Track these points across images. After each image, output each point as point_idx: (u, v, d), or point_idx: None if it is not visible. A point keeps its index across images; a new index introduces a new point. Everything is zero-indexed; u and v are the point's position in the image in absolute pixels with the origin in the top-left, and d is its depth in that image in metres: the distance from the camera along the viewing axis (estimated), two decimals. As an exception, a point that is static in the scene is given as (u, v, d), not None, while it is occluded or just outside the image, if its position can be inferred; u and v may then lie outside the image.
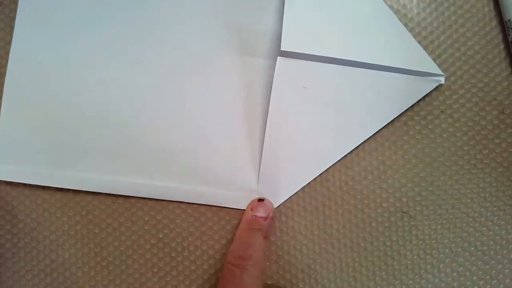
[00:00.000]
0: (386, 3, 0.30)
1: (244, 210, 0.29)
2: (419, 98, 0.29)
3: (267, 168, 0.29)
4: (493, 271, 0.30)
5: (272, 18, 0.29)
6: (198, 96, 0.29)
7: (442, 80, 0.29)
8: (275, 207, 0.29)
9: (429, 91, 0.29)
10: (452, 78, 0.30)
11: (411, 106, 0.30)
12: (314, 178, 0.30)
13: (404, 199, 0.30)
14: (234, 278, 0.24)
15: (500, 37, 0.31)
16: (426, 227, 0.30)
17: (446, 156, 0.30)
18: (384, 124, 0.29)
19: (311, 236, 0.30)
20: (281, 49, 0.27)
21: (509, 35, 0.30)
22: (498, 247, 0.30)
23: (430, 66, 0.29)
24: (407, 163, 0.30)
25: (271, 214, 0.28)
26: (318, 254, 0.30)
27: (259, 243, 0.26)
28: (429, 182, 0.30)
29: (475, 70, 0.30)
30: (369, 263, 0.30)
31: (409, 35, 0.29)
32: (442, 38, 0.31)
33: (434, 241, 0.30)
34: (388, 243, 0.30)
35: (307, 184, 0.30)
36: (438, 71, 0.29)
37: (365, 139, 0.29)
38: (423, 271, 0.30)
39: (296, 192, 0.30)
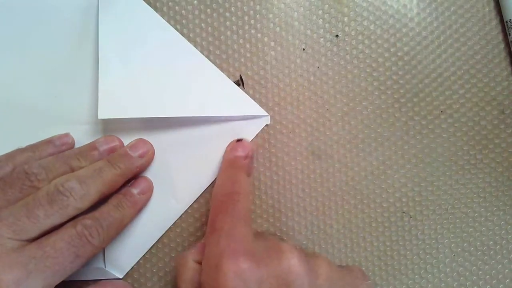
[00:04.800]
0: (386, 3, 0.30)
1: None
2: (250, 139, 0.29)
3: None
4: (493, 271, 0.30)
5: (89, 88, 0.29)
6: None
7: (268, 120, 0.30)
8: (121, 277, 0.29)
9: (257, 131, 0.30)
10: (452, 78, 0.30)
11: (411, 107, 0.30)
12: (315, 179, 0.30)
13: (404, 199, 0.30)
14: (227, 207, 0.24)
15: (500, 37, 0.31)
16: (426, 227, 0.30)
17: (446, 156, 0.30)
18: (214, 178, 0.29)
19: (311, 236, 0.30)
20: (99, 117, 0.27)
21: (509, 35, 0.30)
22: (498, 247, 0.30)
23: (255, 109, 0.29)
24: (407, 163, 0.30)
25: (250, 153, 0.28)
26: (318, 254, 0.30)
27: (243, 180, 0.26)
28: (429, 182, 0.30)
29: (475, 70, 0.30)
30: (369, 263, 0.30)
31: (229, 82, 0.29)
32: (442, 38, 0.31)
33: (434, 241, 0.30)
34: (388, 243, 0.30)
35: (307, 185, 0.30)
36: (263, 113, 0.30)
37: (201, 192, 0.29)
38: (423, 271, 0.30)
39: (296, 193, 0.30)
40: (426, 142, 0.30)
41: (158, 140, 0.29)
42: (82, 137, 0.29)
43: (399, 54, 0.30)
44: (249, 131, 0.29)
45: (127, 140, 0.28)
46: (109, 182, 0.26)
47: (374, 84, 0.30)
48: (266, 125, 0.30)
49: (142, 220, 0.29)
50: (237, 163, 0.28)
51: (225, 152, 0.29)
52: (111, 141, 0.28)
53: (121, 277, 0.29)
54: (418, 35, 0.30)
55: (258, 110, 0.29)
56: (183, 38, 0.29)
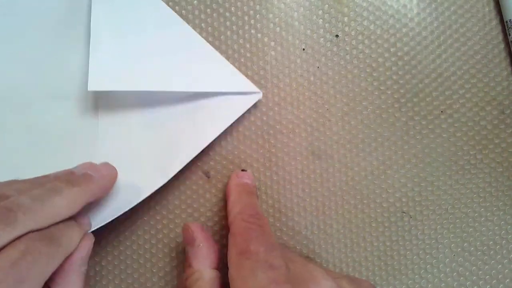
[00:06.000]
0: (386, 3, 0.30)
1: None
2: (239, 115, 0.29)
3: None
4: (493, 271, 0.30)
5: (79, 57, 0.29)
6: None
7: (259, 96, 0.29)
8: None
9: (248, 107, 0.29)
10: (452, 78, 0.30)
11: (411, 107, 0.30)
12: (315, 179, 0.30)
13: (404, 199, 0.30)
14: (257, 232, 0.23)
15: (500, 37, 0.31)
16: (426, 227, 0.30)
17: (446, 156, 0.30)
18: (207, 143, 0.28)
19: (311, 236, 0.30)
20: (88, 89, 0.26)
21: (509, 35, 0.30)
22: (497, 247, 0.30)
23: (247, 85, 0.29)
24: (407, 163, 0.30)
25: (254, 183, 0.29)
26: (318, 254, 0.30)
27: (257, 203, 0.27)
28: (429, 182, 0.30)
29: (475, 70, 0.30)
30: (369, 263, 0.30)
31: (222, 58, 0.29)
32: (442, 38, 0.31)
33: (434, 241, 0.30)
34: (388, 243, 0.30)
35: (307, 185, 0.30)
36: (255, 89, 0.29)
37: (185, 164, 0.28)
38: (423, 271, 0.30)
39: (296, 193, 0.30)
40: (426, 142, 0.30)
41: (145, 115, 0.29)
42: (69, 113, 0.28)
43: (399, 54, 0.30)
44: (240, 106, 0.29)
45: (118, 117, 0.29)
46: (68, 201, 0.22)
47: (374, 84, 0.30)
48: (268, 126, 0.29)
49: (121, 185, 0.27)
50: (248, 188, 0.28)
51: (231, 179, 0.28)
52: (90, 166, 0.26)
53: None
54: (418, 35, 0.30)
55: (250, 86, 0.29)
56: (176, 14, 0.29)
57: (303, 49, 0.30)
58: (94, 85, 0.26)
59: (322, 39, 0.30)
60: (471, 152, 0.30)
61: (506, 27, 0.30)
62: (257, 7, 0.30)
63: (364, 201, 0.30)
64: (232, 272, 0.22)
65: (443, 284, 0.30)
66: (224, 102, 0.29)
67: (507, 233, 0.30)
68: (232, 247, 0.23)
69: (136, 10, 0.28)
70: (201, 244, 0.25)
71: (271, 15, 0.30)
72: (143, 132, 0.29)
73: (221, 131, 0.28)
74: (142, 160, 0.28)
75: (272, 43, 0.30)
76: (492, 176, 0.30)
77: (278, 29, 0.30)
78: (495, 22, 0.31)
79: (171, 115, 0.29)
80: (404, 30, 0.30)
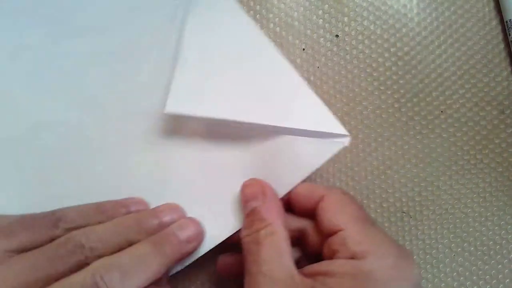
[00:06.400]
0: (386, 3, 0.30)
1: None
2: (321, 163, 0.25)
3: None
4: (493, 271, 0.30)
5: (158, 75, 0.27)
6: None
7: (346, 142, 0.25)
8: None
9: (332, 155, 0.25)
10: (452, 78, 0.30)
11: (411, 107, 0.30)
12: (315, 179, 0.30)
13: (404, 199, 0.30)
14: None
15: (500, 37, 0.31)
16: (426, 227, 0.30)
17: (446, 156, 0.30)
18: (286, 192, 0.25)
19: (311, 236, 0.30)
20: (165, 111, 0.24)
21: (509, 35, 0.30)
22: (497, 247, 0.30)
23: (333, 126, 0.25)
24: (407, 163, 0.30)
25: None
26: (318, 254, 0.30)
27: None
28: (429, 182, 0.30)
29: (475, 70, 0.30)
30: (369, 263, 0.30)
31: (311, 93, 0.25)
32: (442, 38, 0.31)
33: (434, 241, 0.30)
34: (388, 243, 0.30)
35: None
36: (342, 131, 0.25)
37: None
38: (423, 271, 0.30)
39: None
40: (426, 142, 0.30)
41: (219, 150, 0.26)
42: (140, 132, 0.26)
43: (399, 54, 0.30)
44: (326, 151, 0.25)
45: (186, 147, 0.26)
46: (152, 273, 0.22)
47: (374, 84, 0.30)
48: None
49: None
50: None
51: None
52: (174, 211, 0.25)
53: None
54: (418, 35, 0.30)
55: (339, 128, 0.25)
56: (271, 43, 0.26)
57: (303, 49, 0.30)
58: (173, 107, 0.24)
59: (322, 39, 0.30)
60: (471, 152, 0.30)
61: (506, 27, 0.30)
62: (257, 7, 0.30)
63: (364, 201, 0.30)
64: None
65: (443, 284, 0.30)
66: (310, 144, 0.25)
67: (507, 233, 0.30)
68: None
69: (228, 34, 0.26)
70: (272, 196, 0.24)
71: (271, 15, 0.30)
72: (216, 168, 0.26)
73: (303, 178, 0.25)
74: (211, 199, 0.26)
75: (272, 43, 0.30)
76: (492, 176, 0.30)
77: (278, 29, 0.30)
78: (495, 22, 0.31)
79: (249, 153, 0.26)
80: (404, 30, 0.30)
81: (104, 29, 0.27)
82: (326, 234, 0.23)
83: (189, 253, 0.24)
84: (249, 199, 0.24)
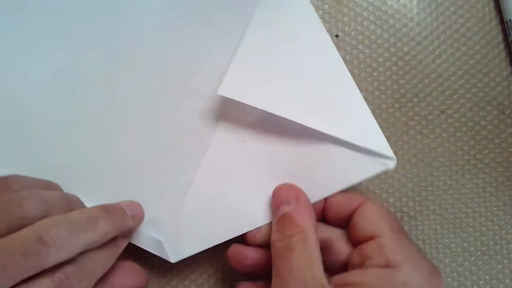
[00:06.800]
0: (386, 3, 0.30)
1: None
2: (361, 179, 0.25)
3: (186, 216, 0.26)
4: (493, 271, 0.30)
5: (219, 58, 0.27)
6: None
7: (391, 165, 0.24)
8: (175, 260, 0.26)
9: (373, 174, 0.25)
10: (452, 78, 0.30)
11: (411, 107, 0.30)
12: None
13: (404, 199, 0.30)
14: None
15: (500, 37, 0.31)
16: (426, 227, 0.30)
17: (446, 156, 0.30)
18: (317, 200, 0.25)
19: (311, 236, 0.30)
20: (218, 93, 0.24)
21: (509, 35, 0.30)
22: (498, 247, 0.30)
23: (381, 145, 0.25)
24: (407, 163, 0.30)
25: None
26: (318, 254, 0.30)
27: None
28: (429, 182, 0.30)
29: (475, 70, 0.30)
30: (369, 263, 0.30)
31: (365, 107, 0.25)
32: (442, 38, 0.31)
33: (434, 241, 0.30)
34: (388, 243, 0.30)
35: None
36: (389, 153, 0.25)
37: None
38: (423, 271, 0.30)
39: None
40: (426, 142, 0.30)
41: (260, 143, 0.26)
42: (193, 112, 0.27)
43: (399, 54, 0.30)
44: (369, 169, 0.25)
45: (229, 133, 0.27)
46: (101, 233, 0.22)
47: (374, 84, 0.30)
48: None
49: (225, 209, 0.26)
50: None
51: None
52: (136, 208, 0.26)
53: (173, 261, 0.26)
54: (418, 35, 0.30)
55: (386, 148, 0.24)
56: (334, 46, 0.26)
57: (303, 49, 0.30)
58: (226, 91, 0.24)
59: (322, 39, 0.30)
60: (471, 152, 0.30)
61: (506, 27, 0.30)
62: (257, 7, 0.30)
63: (364, 201, 0.30)
64: None
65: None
66: (353, 159, 0.25)
67: (507, 233, 0.30)
68: None
69: (294, 31, 0.26)
70: (305, 201, 0.23)
71: (271, 15, 0.30)
72: (252, 160, 0.26)
73: (339, 190, 0.25)
74: (245, 189, 0.26)
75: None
76: (492, 176, 0.30)
77: (278, 29, 0.30)
78: (495, 22, 0.31)
79: (290, 153, 0.26)
80: (404, 30, 0.30)
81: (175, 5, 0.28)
82: (360, 241, 0.23)
83: (131, 229, 0.25)
84: (282, 203, 0.24)
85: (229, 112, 0.27)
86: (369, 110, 0.25)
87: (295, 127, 0.25)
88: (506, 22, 0.30)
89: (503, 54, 0.31)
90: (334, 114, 0.25)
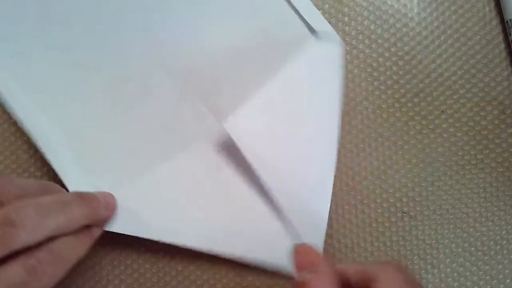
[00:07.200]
0: (386, 3, 0.30)
1: None
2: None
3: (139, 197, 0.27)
4: (494, 272, 0.30)
5: None
6: None
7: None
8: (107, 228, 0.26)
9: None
10: (452, 78, 0.30)
11: (411, 107, 0.30)
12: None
13: (404, 199, 0.30)
14: None
15: (500, 37, 0.31)
16: (426, 228, 0.30)
17: (447, 156, 0.30)
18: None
19: (311, 236, 0.30)
20: (224, 125, 0.27)
21: (509, 35, 0.30)
22: (498, 247, 0.30)
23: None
24: (407, 163, 0.30)
25: None
26: (318, 254, 0.30)
27: None
28: (430, 182, 0.30)
29: (475, 70, 0.30)
30: (369, 264, 0.30)
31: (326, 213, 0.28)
32: (442, 38, 0.31)
33: (435, 241, 0.30)
34: (388, 244, 0.30)
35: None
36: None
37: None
38: (423, 271, 0.30)
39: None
40: (427, 142, 0.30)
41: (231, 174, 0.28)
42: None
43: (399, 54, 0.30)
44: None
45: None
46: (72, 220, 0.22)
47: (374, 84, 0.30)
48: None
49: (170, 212, 0.27)
50: None
51: None
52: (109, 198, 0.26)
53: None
54: (418, 35, 0.30)
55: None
56: (340, 120, 0.28)
57: (303, 49, 0.30)
58: (231, 127, 0.27)
59: (322, 39, 0.30)
60: (472, 152, 0.30)
61: (506, 27, 0.30)
62: (257, 7, 0.30)
63: (364, 201, 0.30)
64: None
65: (444, 284, 0.30)
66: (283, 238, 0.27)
67: (507, 233, 0.30)
68: None
69: (313, 90, 0.29)
70: (325, 270, 0.21)
71: (271, 15, 0.30)
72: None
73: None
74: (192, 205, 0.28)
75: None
76: (492, 176, 0.30)
77: (278, 29, 0.30)
78: (495, 22, 0.31)
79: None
80: (404, 30, 0.30)
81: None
82: None
83: (105, 220, 0.25)
84: (301, 268, 0.23)
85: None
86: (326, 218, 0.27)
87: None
88: (507, 22, 0.30)
89: (504, 54, 0.31)
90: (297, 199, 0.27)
